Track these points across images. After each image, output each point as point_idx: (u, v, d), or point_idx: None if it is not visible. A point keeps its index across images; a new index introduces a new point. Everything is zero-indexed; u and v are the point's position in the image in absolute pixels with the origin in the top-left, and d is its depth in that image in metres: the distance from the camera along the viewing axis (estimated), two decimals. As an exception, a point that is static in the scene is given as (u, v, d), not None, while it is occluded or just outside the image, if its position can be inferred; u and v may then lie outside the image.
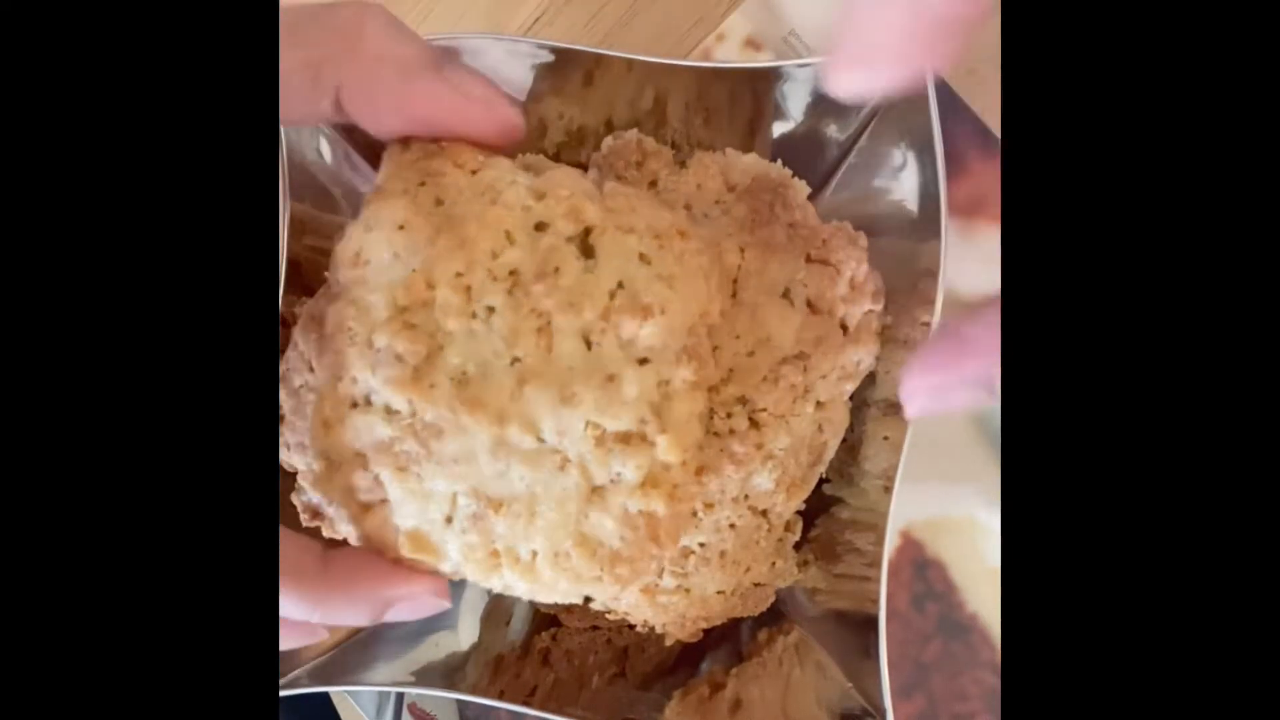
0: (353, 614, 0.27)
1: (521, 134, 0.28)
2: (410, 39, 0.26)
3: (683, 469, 0.27)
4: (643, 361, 0.26)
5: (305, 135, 0.41)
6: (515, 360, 0.25)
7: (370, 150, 0.44)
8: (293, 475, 0.34)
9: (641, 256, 0.27)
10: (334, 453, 0.26)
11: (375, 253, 0.26)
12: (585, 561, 0.26)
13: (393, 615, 0.28)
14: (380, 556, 0.28)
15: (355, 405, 0.26)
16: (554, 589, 0.27)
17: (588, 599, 0.36)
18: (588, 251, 0.27)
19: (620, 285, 0.27)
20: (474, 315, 0.26)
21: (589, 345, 0.26)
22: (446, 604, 0.28)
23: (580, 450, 0.26)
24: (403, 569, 0.27)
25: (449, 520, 0.26)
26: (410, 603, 0.27)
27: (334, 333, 0.26)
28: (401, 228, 0.26)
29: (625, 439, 0.26)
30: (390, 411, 0.26)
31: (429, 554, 0.27)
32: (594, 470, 0.26)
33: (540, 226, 0.27)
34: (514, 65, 0.41)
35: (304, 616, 0.26)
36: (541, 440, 0.26)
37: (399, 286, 0.26)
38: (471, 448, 0.25)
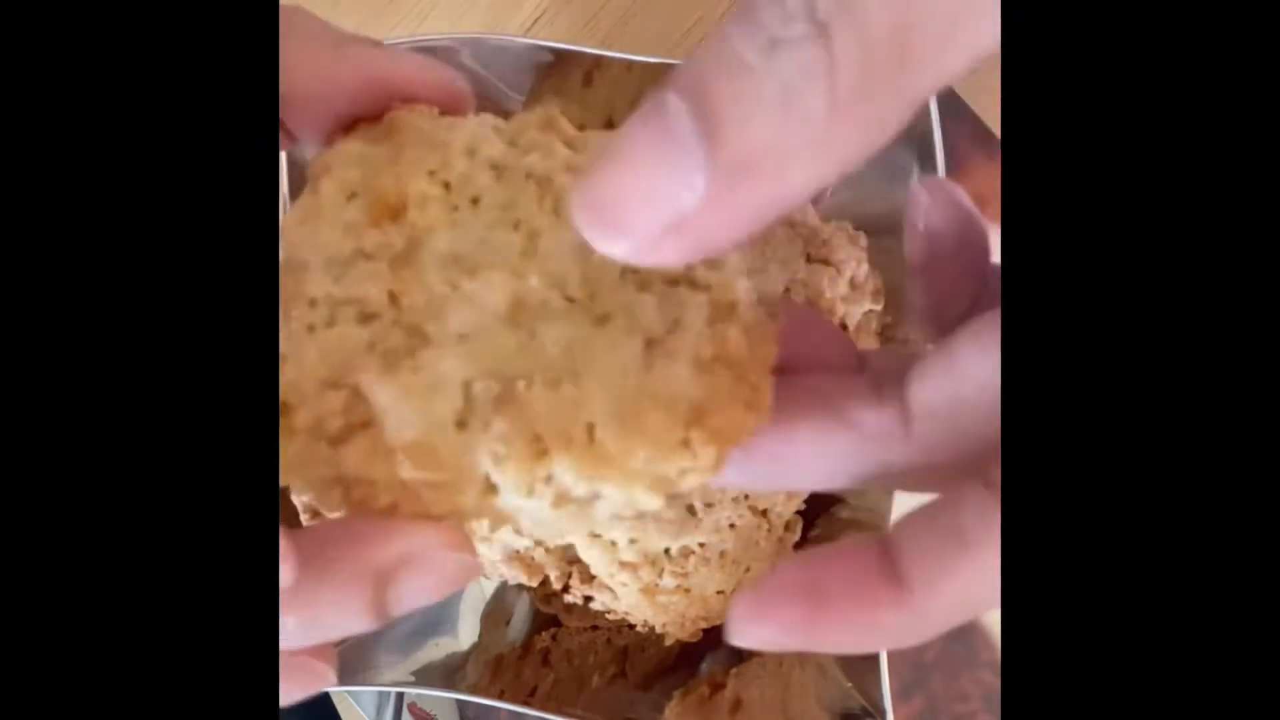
0: (343, 604, 0.20)
1: (469, 104, 0.23)
2: (336, 28, 0.23)
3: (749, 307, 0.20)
4: None
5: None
6: (518, 224, 0.20)
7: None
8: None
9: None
10: (292, 394, 0.21)
11: (329, 194, 0.22)
12: (664, 419, 0.19)
13: (402, 596, 0.20)
14: (369, 518, 0.21)
15: (312, 329, 0.21)
16: (628, 468, 0.19)
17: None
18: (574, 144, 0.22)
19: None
20: (455, 208, 0.21)
21: None
22: (471, 558, 0.20)
23: (622, 299, 0.20)
24: (401, 521, 0.20)
25: (462, 424, 0.19)
26: (418, 566, 0.20)
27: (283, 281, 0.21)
28: (358, 166, 0.22)
29: (673, 281, 0.20)
30: (365, 315, 0.21)
31: (439, 468, 0.19)
32: (644, 317, 0.20)
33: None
34: (514, 65, 0.41)
35: (286, 636, 0.21)
36: (570, 299, 0.20)
37: (360, 206, 0.21)
38: (481, 319, 0.20)
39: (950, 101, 0.48)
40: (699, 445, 0.19)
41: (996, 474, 0.20)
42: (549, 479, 0.19)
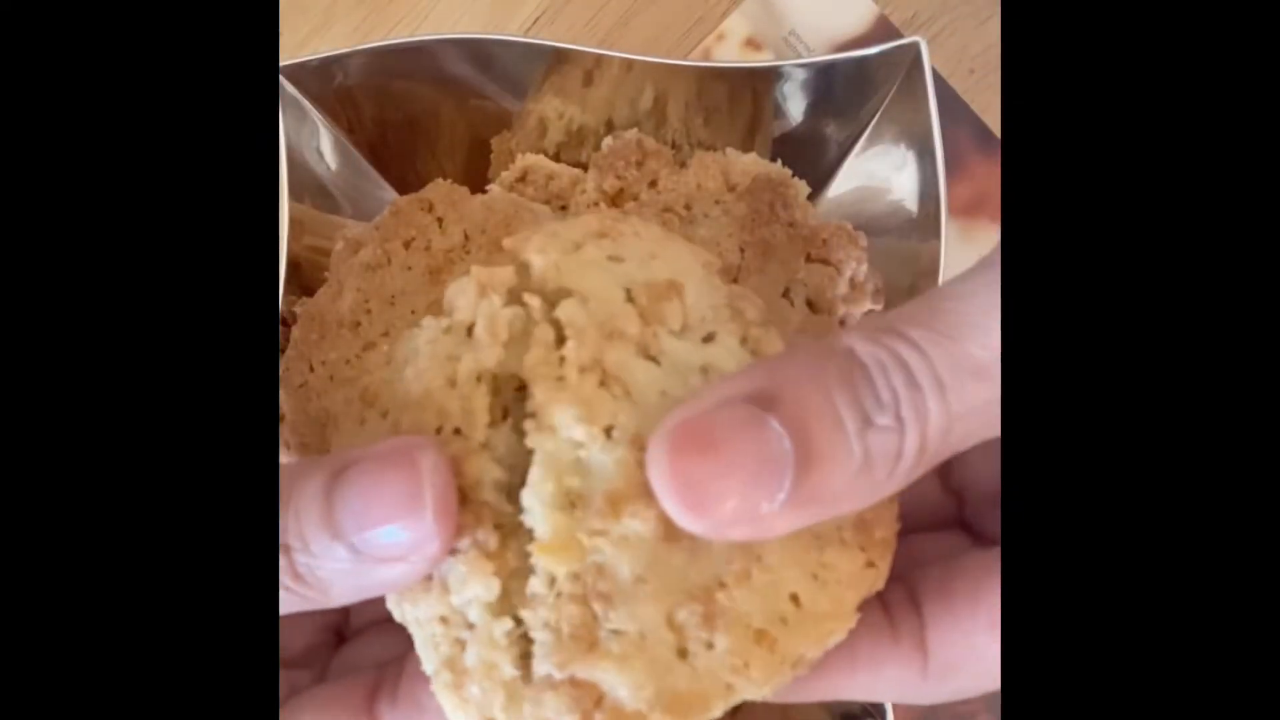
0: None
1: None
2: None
3: None
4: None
5: (305, 135, 0.41)
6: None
7: (370, 150, 0.44)
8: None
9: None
10: None
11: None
12: (842, 583, 0.20)
13: (359, 520, 0.19)
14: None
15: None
16: (844, 614, 0.20)
17: None
18: None
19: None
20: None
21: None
22: (436, 462, 0.19)
23: None
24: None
25: (684, 653, 0.20)
26: (372, 474, 0.19)
27: None
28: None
29: None
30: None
31: (690, 707, 0.19)
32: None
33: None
34: (514, 65, 0.41)
35: None
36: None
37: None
38: (645, 554, 0.19)
39: (950, 101, 0.48)
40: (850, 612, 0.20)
41: (902, 623, 0.20)
42: (789, 660, 0.20)
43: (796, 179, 0.39)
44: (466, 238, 0.35)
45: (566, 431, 0.19)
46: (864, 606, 0.20)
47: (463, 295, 0.22)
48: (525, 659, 0.20)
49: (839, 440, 0.17)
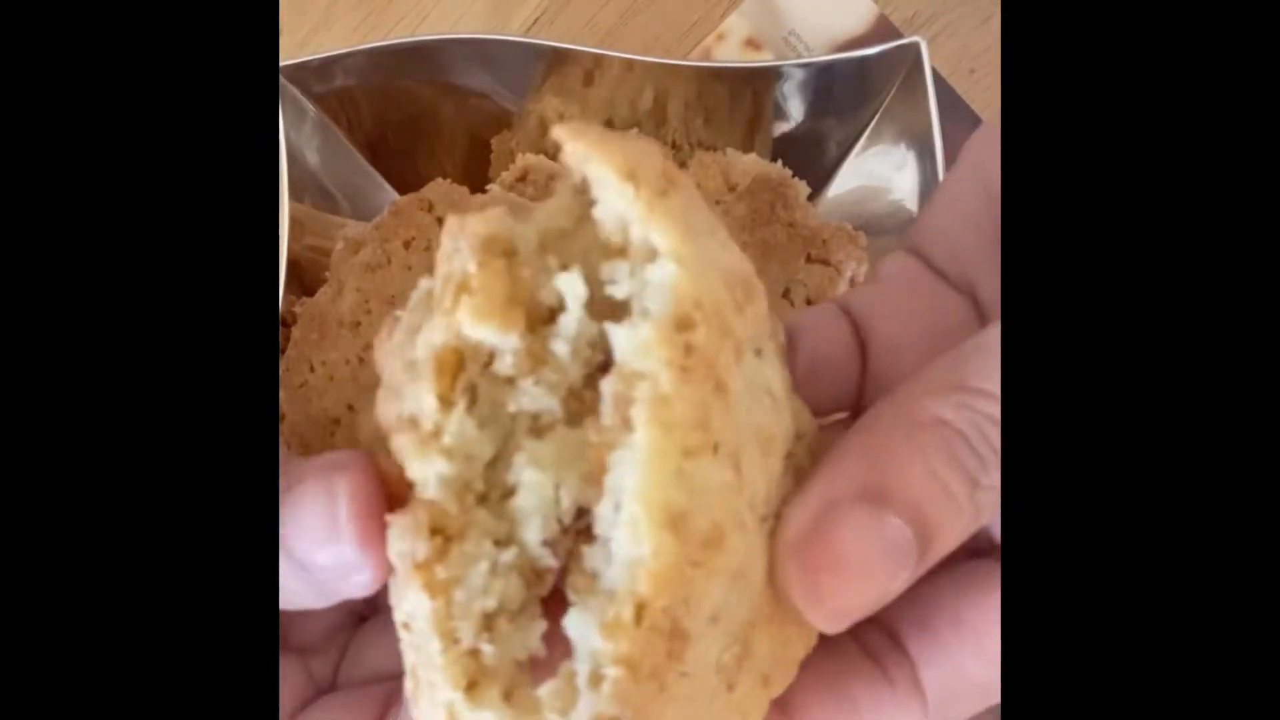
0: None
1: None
2: None
3: None
4: None
5: (305, 135, 0.41)
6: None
7: (371, 150, 0.44)
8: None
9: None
10: None
11: None
12: None
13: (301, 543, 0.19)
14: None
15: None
16: None
17: None
18: None
19: None
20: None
21: None
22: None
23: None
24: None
25: (732, 687, 0.19)
26: (300, 500, 0.19)
27: None
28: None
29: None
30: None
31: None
32: None
33: None
34: (514, 65, 0.41)
35: None
36: (762, 519, 0.19)
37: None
38: (723, 593, 0.18)
39: (950, 101, 0.48)
40: None
41: (892, 667, 0.20)
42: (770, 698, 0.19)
43: (796, 179, 0.39)
44: (466, 238, 0.35)
45: (681, 436, 0.17)
46: (850, 659, 0.20)
47: (446, 240, 0.19)
48: (474, 671, 0.18)
49: (954, 511, 0.18)
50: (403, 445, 0.18)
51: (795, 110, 0.41)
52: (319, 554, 0.19)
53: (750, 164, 0.38)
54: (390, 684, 0.24)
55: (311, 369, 0.34)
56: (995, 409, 0.18)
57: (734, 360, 0.17)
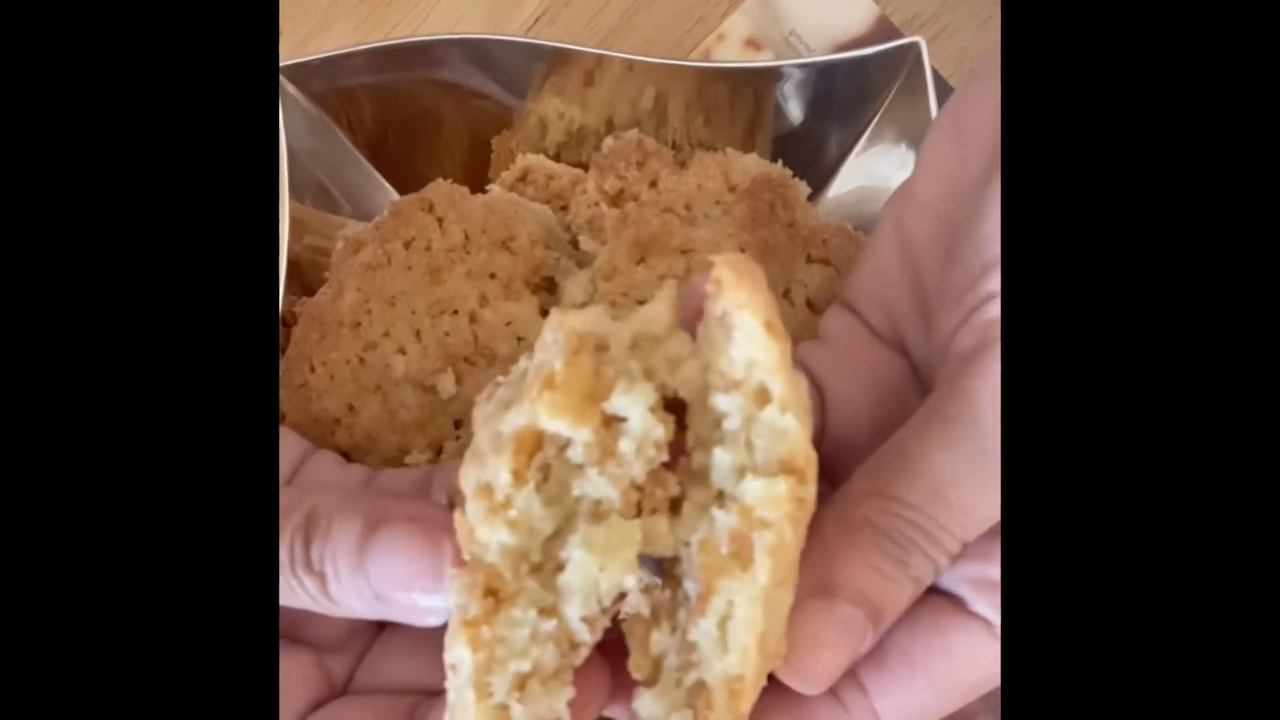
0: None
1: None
2: None
3: None
4: None
5: (305, 135, 0.41)
6: None
7: (371, 150, 0.44)
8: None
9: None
10: None
11: None
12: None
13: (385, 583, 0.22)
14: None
15: None
16: None
17: None
18: None
19: None
20: None
21: None
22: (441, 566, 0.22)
23: None
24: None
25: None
26: (401, 544, 0.22)
27: None
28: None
29: None
30: None
31: None
32: None
33: None
34: (514, 65, 0.41)
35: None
36: None
37: None
38: None
39: (950, 101, 0.48)
40: None
41: (852, 702, 0.23)
42: None
43: (796, 179, 0.39)
44: (466, 238, 0.35)
45: (779, 574, 0.20)
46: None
47: (547, 333, 0.22)
48: None
49: (893, 589, 0.22)
50: (475, 510, 0.21)
51: (795, 110, 0.41)
52: (414, 596, 0.22)
53: (750, 164, 0.38)
54: (414, 698, 0.25)
55: (311, 369, 0.34)
56: (907, 510, 0.22)
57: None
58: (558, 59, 0.40)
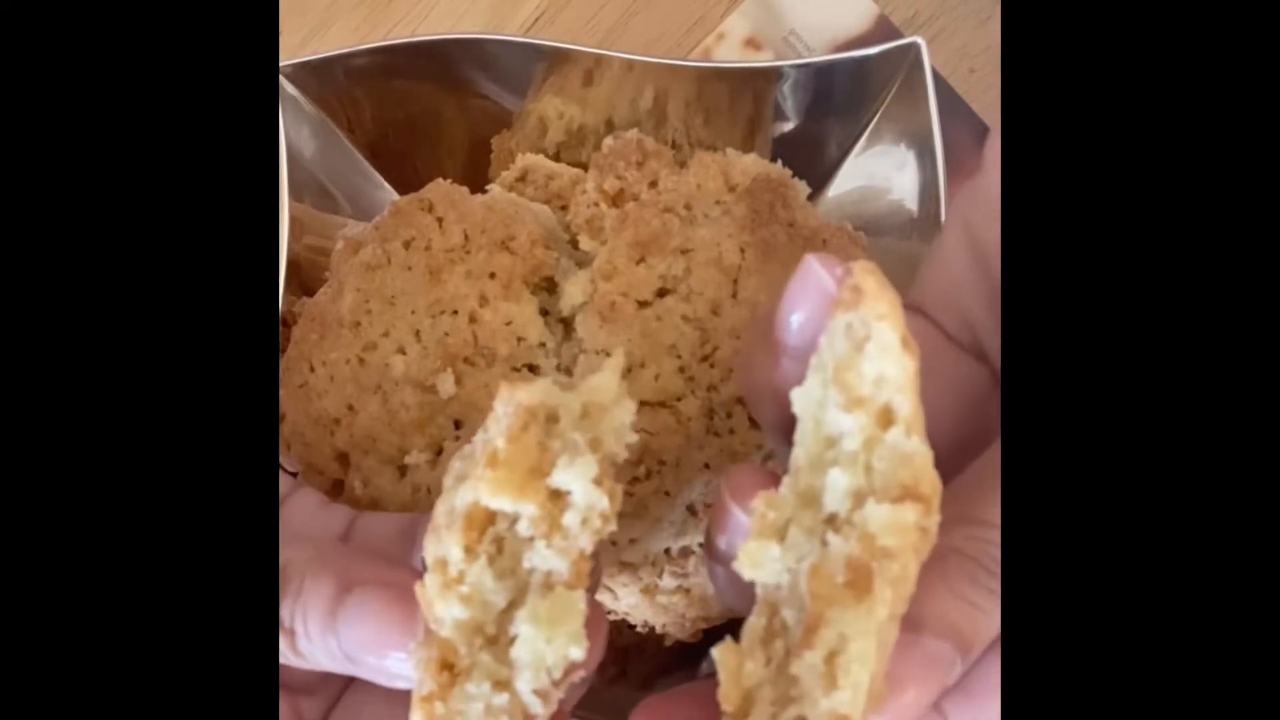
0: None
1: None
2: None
3: None
4: None
5: (305, 135, 0.41)
6: None
7: (371, 150, 0.44)
8: (292, 475, 0.34)
9: None
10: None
11: None
12: None
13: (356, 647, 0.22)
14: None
15: None
16: None
17: None
18: None
19: None
20: None
21: None
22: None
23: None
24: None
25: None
26: (373, 608, 0.22)
27: None
28: None
29: None
30: None
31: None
32: None
33: None
34: (514, 65, 0.41)
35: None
36: None
37: None
38: None
39: (950, 101, 0.48)
40: None
41: None
42: None
43: (796, 179, 0.39)
44: (466, 238, 0.35)
45: (894, 606, 0.19)
46: None
47: (497, 405, 0.22)
48: None
49: (982, 619, 0.21)
50: (431, 584, 0.21)
51: (795, 110, 0.41)
52: (384, 661, 0.22)
53: (750, 164, 0.38)
54: None
55: (311, 369, 0.34)
56: (994, 534, 0.21)
57: None
58: (557, 59, 0.40)
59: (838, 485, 0.20)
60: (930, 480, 0.19)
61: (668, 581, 0.34)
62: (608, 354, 0.33)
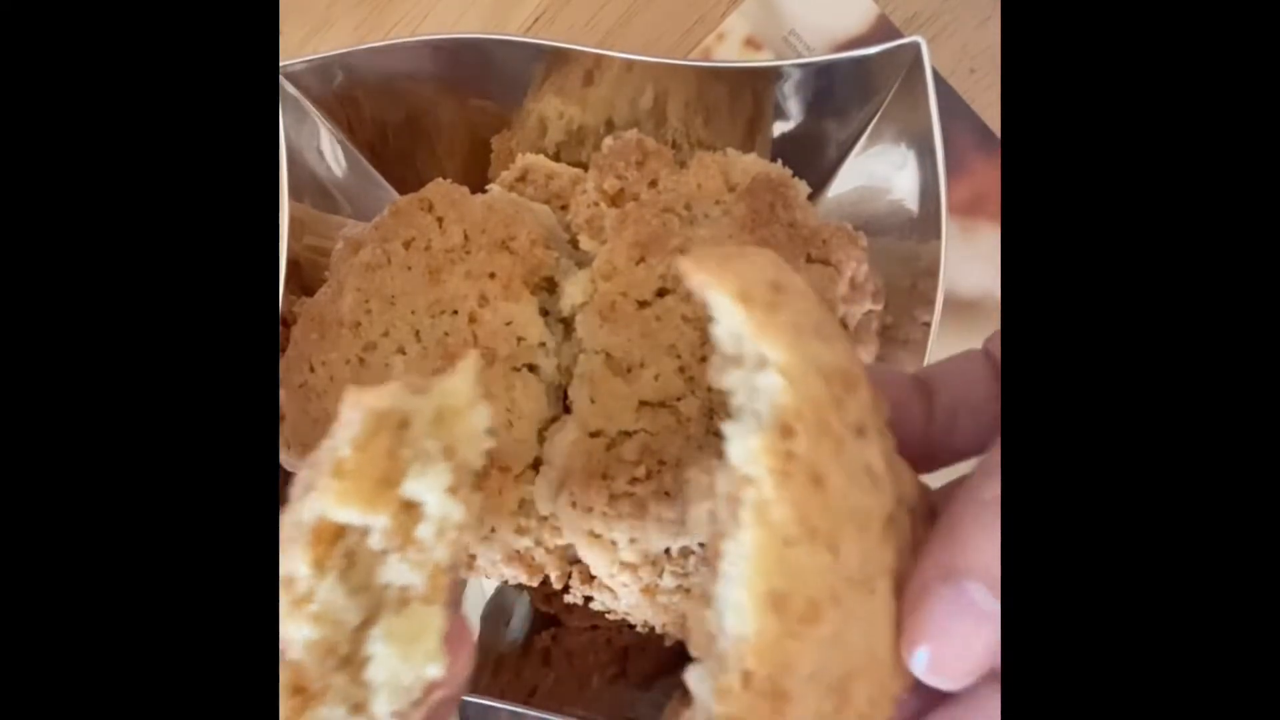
0: None
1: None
2: None
3: None
4: None
5: (305, 135, 0.41)
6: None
7: (371, 150, 0.44)
8: (292, 475, 0.34)
9: None
10: None
11: None
12: None
13: None
14: None
15: None
16: None
17: (588, 598, 0.36)
18: None
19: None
20: None
21: None
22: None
23: (880, 560, 0.22)
24: None
25: None
26: None
27: None
28: None
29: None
30: None
31: None
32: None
33: None
34: (514, 65, 0.41)
35: None
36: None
37: None
38: None
39: (950, 101, 0.48)
40: None
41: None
42: None
43: (796, 179, 0.39)
44: (466, 238, 0.35)
45: (783, 529, 0.19)
46: None
47: (345, 410, 0.21)
48: None
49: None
50: (282, 603, 0.20)
51: (795, 110, 0.41)
52: None
53: (750, 164, 0.38)
54: None
55: (311, 369, 0.34)
56: None
57: (833, 454, 0.20)
58: (557, 59, 0.40)
59: (729, 439, 0.20)
60: (794, 409, 0.19)
61: (668, 581, 0.34)
62: (609, 354, 0.33)
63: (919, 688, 0.21)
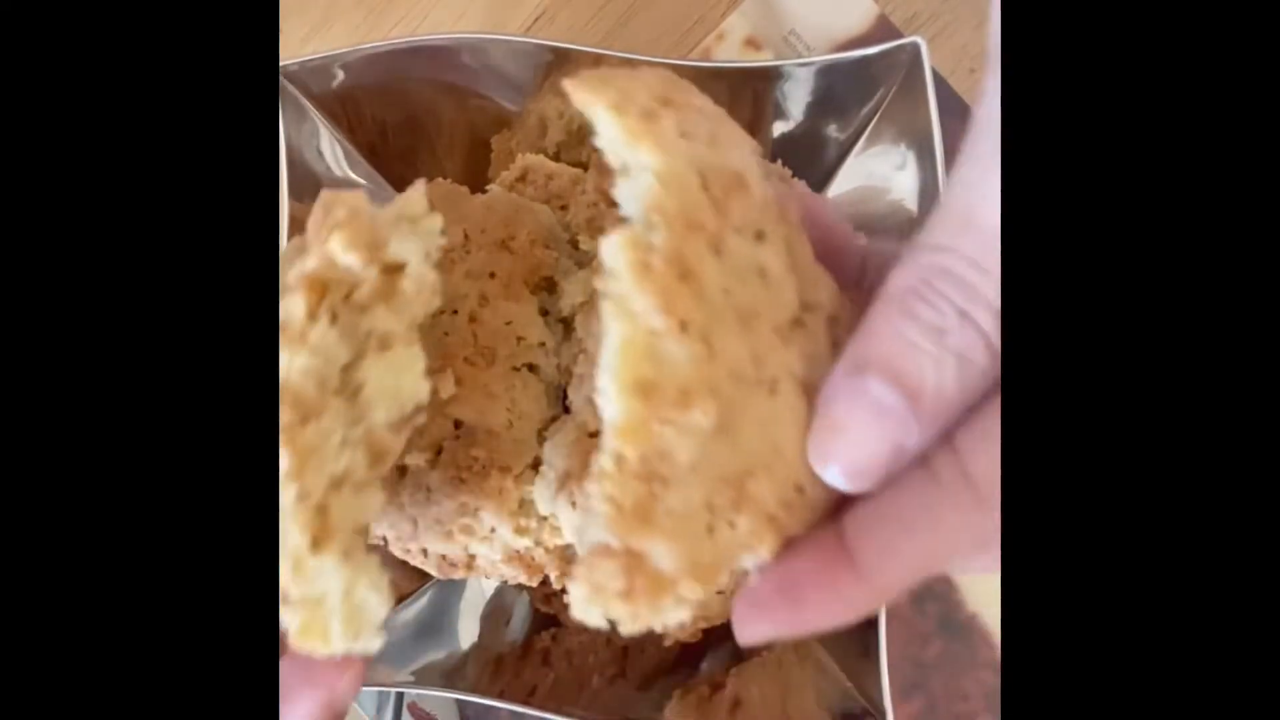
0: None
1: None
2: None
3: None
4: None
5: (305, 135, 0.41)
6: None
7: (370, 150, 0.44)
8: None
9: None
10: None
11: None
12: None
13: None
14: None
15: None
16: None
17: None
18: None
19: None
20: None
21: None
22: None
23: (781, 358, 0.22)
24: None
25: (711, 530, 0.21)
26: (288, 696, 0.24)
27: None
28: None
29: (798, 322, 0.23)
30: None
31: (713, 576, 0.21)
32: (799, 368, 0.22)
33: None
34: (514, 65, 0.41)
35: None
36: (753, 381, 0.22)
37: None
38: (701, 443, 0.21)
39: (950, 101, 0.48)
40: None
41: (939, 463, 0.20)
42: (786, 536, 0.22)
43: (796, 179, 0.39)
44: (466, 238, 0.35)
45: (646, 320, 0.20)
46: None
47: (317, 210, 0.24)
48: (318, 528, 0.22)
49: (927, 361, 0.19)
50: (280, 342, 0.22)
51: (795, 110, 0.41)
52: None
53: (750, 164, 0.38)
54: None
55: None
56: (945, 258, 0.19)
57: (707, 250, 0.20)
58: (558, 59, 0.40)
59: (602, 244, 0.21)
60: (653, 204, 0.20)
61: (668, 581, 0.34)
62: None
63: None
